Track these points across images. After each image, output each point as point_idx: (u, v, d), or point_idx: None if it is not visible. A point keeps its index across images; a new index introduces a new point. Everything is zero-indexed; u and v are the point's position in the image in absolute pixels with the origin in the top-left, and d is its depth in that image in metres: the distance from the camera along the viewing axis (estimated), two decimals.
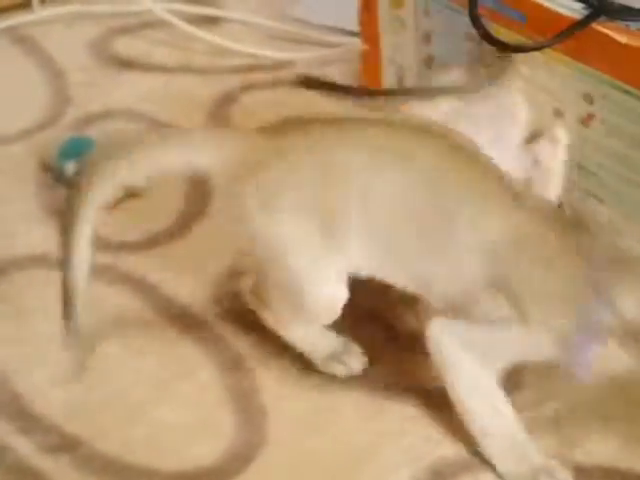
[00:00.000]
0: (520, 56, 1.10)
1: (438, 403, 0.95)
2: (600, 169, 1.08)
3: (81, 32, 1.49)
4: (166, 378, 1.01)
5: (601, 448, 0.93)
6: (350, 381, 1.00)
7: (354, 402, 0.98)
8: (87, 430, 0.96)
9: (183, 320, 1.07)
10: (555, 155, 1.04)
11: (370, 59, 1.34)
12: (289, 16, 1.51)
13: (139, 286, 1.11)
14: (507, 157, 0.98)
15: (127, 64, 1.44)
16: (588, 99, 1.07)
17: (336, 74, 1.41)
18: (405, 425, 0.95)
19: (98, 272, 1.11)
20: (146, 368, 1.02)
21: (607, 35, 1.02)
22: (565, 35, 1.04)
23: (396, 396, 0.98)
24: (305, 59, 1.44)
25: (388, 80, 1.31)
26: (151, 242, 1.17)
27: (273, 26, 1.49)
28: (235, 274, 1.10)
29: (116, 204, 1.19)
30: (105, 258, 1.13)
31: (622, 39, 1.01)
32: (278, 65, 1.44)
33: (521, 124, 1.05)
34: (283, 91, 1.40)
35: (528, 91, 1.11)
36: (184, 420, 0.97)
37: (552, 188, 1.03)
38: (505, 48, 1.08)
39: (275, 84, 1.41)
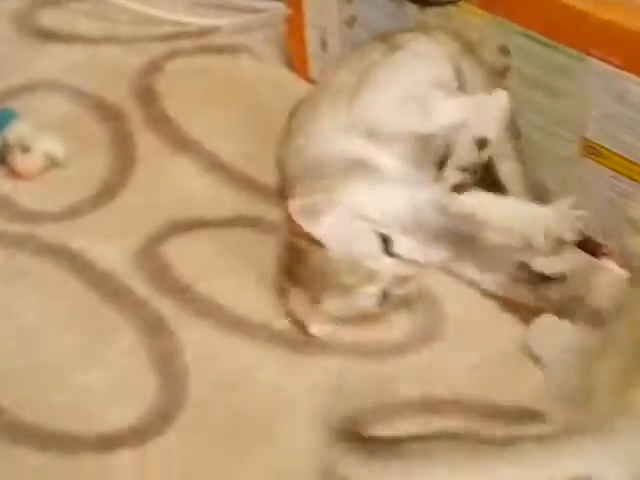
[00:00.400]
0: (437, 11, 1.11)
1: (358, 358, 0.97)
2: (518, 119, 1.09)
3: (4, 4, 1.48)
4: (88, 344, 1.01)
5: None
6: (271, 340, 1.00)
7: (274, 360, 0.98)
8: (9, 399, 0.96)
9: (105, 286, 1.06)
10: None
11: (294, 23, 1.33)
12: None
13: (61, 254, 1.10)
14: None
15: (51, 36, 1.42)
16: (504, 51, 1.07)
17: (261, 39, 1.41)
18: (324, 379, 0.96)
19: (18, 242, 1.12)
20: (68, 335, 1.01)
21: None
22: None
23: (315, 353, 0.99)
24: (230, 25, 1.43)
25: (312, 43, 1.31)
26: (73, 211, 1.16)
27: None
28: (158, 241, 1.11)
29: (38, 174, 1.20)
30: (27, 228, 1.13)
31: None
32: (203, 32, 1.43)
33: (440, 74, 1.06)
34: (209, 58, 1.40)
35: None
36: (106, 384, 0.97)
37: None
38: (423, 3, 1.09)
39: (201, 51, 1.40)
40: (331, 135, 1.04)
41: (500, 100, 1.03)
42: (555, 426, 0.86)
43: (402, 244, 0.98)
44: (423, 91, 1.03)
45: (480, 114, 1.02)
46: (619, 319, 0.89)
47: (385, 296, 0.98)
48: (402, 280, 0.98)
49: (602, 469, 0.78)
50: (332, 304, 0.98)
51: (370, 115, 1.03)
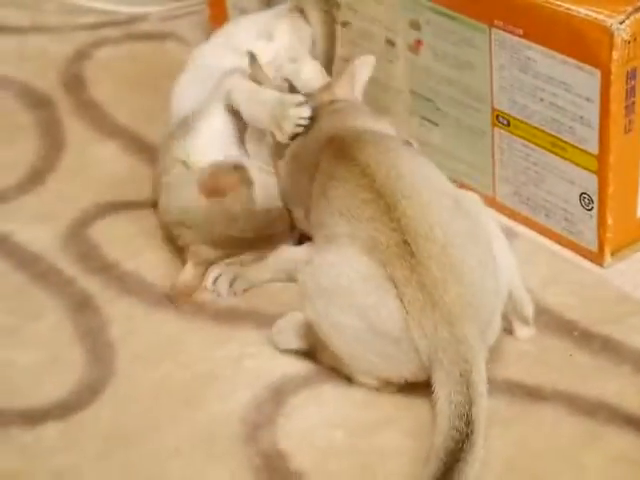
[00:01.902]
0: None
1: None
2: (432, 94, 1.12)
3: None
4: (15, 322, 1.02)
5: None
6: (195, 312, 1.02)
7: (199, 331, 1.01)
8: None
9: (33, 267, 1.08)
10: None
11: (216, 7, 1.36)
12: None
13: None
14: None
15: None
16: (415, 26, 1.10)
17: (188, 25, 1.44)
18: (247, 350, 0.98)
19: None
20: None
21: None
22: None
23: (239, 323, 1.01)
24: (157, 13, 1.45)
25: None
26: (2, 196, 1.18)
27: None
28: (85, 223, 1.13)
29: None
30: None
31: None
32: (130, 20, 1.45)
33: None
34: (136, 45, 1.42)
35: (359, 24, 1.15)
36: (34, 360, 0.99)
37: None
38: None
39: (128, 38, 1.43)
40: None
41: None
42: None
43: None
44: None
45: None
46: None
47: None
48: None
49: None
50: None
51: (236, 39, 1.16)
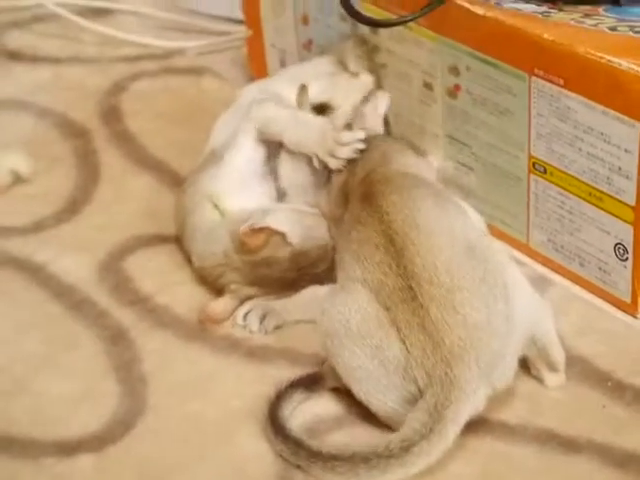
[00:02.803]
0: (388, 32, 1.15)
1: (313, 366, 0.99)
2: (469, 138, 1.13)
3: None
4: (50, 352, 1.03)
5: None
6: (229, 348, 1.03)
7: (233, 368, 1.01)
8: None
9: (68, 297, 1.09)
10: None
11: (254, 45, 1.37)
12: (178, 6, 1.54)
13: (25, 266, 1.13)
14: None
15: (16, 56, 1.46)
16: (454, 71, 1.11)
17: (225, 61, 1.45)
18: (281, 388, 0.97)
19: None
20: (30, 343, 1.04)
21: (465, 8, 1.07)
22: (427, 10, 1.08)
23: (273, 361, 1.01)
24: (194, 47, 1.47)
25: (272, 64, 1.35)
26: (38, 226, 1.19)
27: (162, 16, 1.52)
28: (120, 255, 1.14)
29: (4, 190, 1.23)
30: None
31: (479, 11, 1.06)
32: (168, 54, 1.47)
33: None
34: (173, 79, 1.43)
35: (397, 66, 1.16)
36: (67, 391, 0.99)
37: None
38: (371, 24, 1.13)
39: (165, 72, 1.45)
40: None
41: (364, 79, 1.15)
42: None
43: None
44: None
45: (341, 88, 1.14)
46: None
47: None
48: None
49: None
50: None
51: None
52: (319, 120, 1.05)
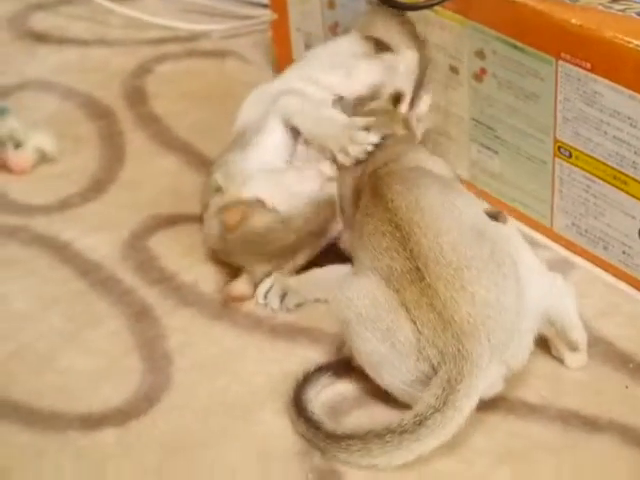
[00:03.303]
0: (415, 16, 1.15)
1: (338, 345, 1.00)
2: (494, 122, 1.13)
3: None
4: (75, 329, 1.04)
5: None
6: (253, 326, 1.04)
7: (258, 346, 1.02)
8: None
9: (93, 275, 1.10)
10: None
11: (279, 28, 1.38)
12: None
13: (51, 245, 1.14)
14: None
15: (43, 38, 1.47)
16: (480, 55, 1.11)
17: (249, 44, 1.46)
18: (304, 366, 0.98)
19: (10, 233, 1.16)
20: (55, 320, 1.05)
21: None
22: None
23: (296, 340, 1.02)
24: (218, 31, 1.47)
25: (297, 47, 1.36)
26: (64, 204, 1.20)
27: (188, 0, 1.53)
28: (145, 234, 1.15)
29: (30, 169, 1.24)
30: (18, 220, 1.17)
31: None
32: (192, 37, 1.47)
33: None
34: (197, 61, 1.44)
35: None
36: (92, 367, 1.00)
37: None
38: (399, 7, 1.13)
39: (189, 54, 1.45)
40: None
41: (406, 58, 1.13)
42: None
43: None
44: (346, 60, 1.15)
45: (390, 72, 1.12)
46: None
47: None
48: None
49: None
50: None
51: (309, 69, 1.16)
52: (342, 117, 1.07)
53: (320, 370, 0.97)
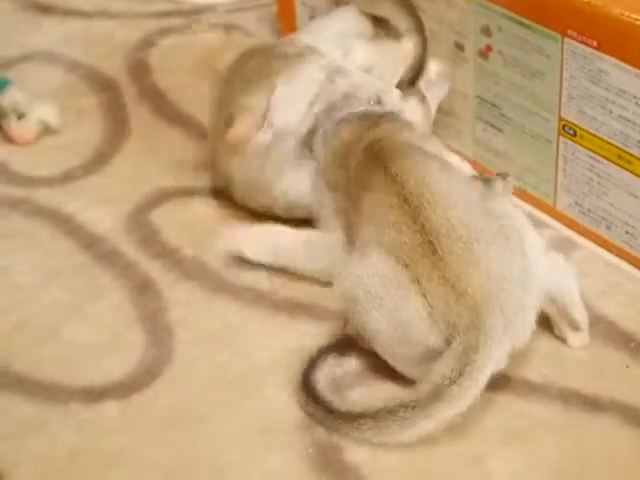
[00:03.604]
0: None
1: (338, 322, 1.00)
2: (499, 100, 1.13)
3: None
4: (77, 302, 1.04)
5: None
6: (255, 301, 1.04)
7: (259, 321, 1.02)
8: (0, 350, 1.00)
9: (96, 248, 1.10)
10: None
11: (284, 2, 1.37)
12: None
13: (53, 217, 1.14)
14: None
15: (46, 9, 1.47)
16: (486, 32, 1.11)
17: (253, 18, 1.45)
18: (306, 341, 0.99)
19: (13, 204, 1.16)
20: (58, 293, 1.05)
21: None
22: None
23: (298, 315, 1.02)
24: (223, 4, 1.47)
25: (301, 22, 1.35)
26: (67, 176, 1.20)
27: None
28: (148, 207, 1.15)
29: (33, 140, 1.23)
30: (20, 192, 1.17)
31: None
32: (197, 10, 1.47)
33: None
34: (201, 34, 1.43)
35: (429, 26, 1.16)
36: (94, 340, 1.00)
37: None
38: None
39: (194, 28, 1.45)
40: None
41: (404, 47, 1.14)
42: None
43: None
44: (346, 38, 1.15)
45: (383, 59, 1.13)
46: None
47: None
48: None
49: None
50: None
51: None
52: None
53: (326, 350, 0.97)
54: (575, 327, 0.97)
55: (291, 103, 1.05)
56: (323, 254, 1.03)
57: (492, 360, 0.88)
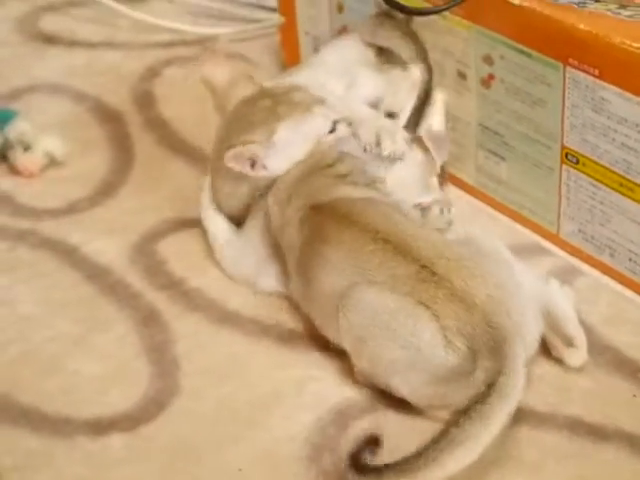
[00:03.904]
0: (422, 21, 1.15)
1: (341, 351, 0.99)
2: (501, 128, 1.13)
3: (8, 10, 1.53)
4: (82, 333, 1.04)
5: None
6: (260, 333, 1.04)
7: (264, 352, 1.02)
8: (3, 383, 0.99)
9: (101, 279, 1.10)
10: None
11: (288, 32, 1.38)
12: None
13: (59, 248, 1.14)
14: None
15: (52, 40, 1.48)
16: (488, 60, 1.12)
17: (257, 48, 1.46)
18: (311, 372, 0.99)
19: (18, 236, 1.16)
20: (63, 324, 1.05)
21: None
22: None
23: (303, 346, 1.02)
24: (227, 34, 1.48)
25: (305, 51, 1.36)
26: (72, 208, 1.20)
27: (196, 3, 1.54)
28: (153, 238, 1.15)
29: (39, 172, 1.24)
30: (26, 224, 1.17)
31: (515, 1, 1.06)
32: (201, 40, 1.48)
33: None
34: (205, 65, 1.43)
35: (431, 55, 1.16)
36: (100, 371, 1.00)
37: None
38: (406, 12, 1.13)
39: (198, 58, 1.45)
40: None
41: (412, 75, 1.13)
42: None
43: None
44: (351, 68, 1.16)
45: (393, 89, 1.13)
46: None
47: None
48: None
49: None
50: None
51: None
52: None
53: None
54: (569, 343, 0.97)
55: (288, 151, 1.05)
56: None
57: (522, 353, 0.89)
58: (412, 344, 0.91)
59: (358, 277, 0.95)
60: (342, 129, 1.06)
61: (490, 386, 0.86)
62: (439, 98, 1.13)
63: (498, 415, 0.86)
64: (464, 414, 0.85)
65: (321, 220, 1.00)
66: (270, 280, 1.06)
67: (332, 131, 1.06)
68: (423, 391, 0.92)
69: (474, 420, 0.85)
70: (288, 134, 1.06)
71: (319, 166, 1.04)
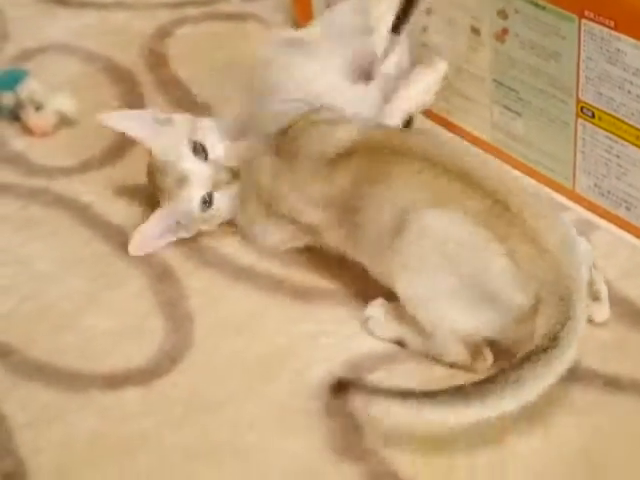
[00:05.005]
0: None
1: (356, 306, 1.00)
2: (516, 83, 1.12)
3: None
4: (97, 290, 1.05)
5: None
6: (274, 288, 1.04)
7: (278, 307, 1.02)
8: (19, 339, 1.00)
9: (115, 237, 1.10)
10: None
11: None
12: None
13: (72, 206, 1.14)
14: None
15: (63, 1, 1.46)
16: (502, 15, 1.10)
17: (268, 7, 1.45)
18: (324, 327, 0.99)
19: (31, 195, 1.16)
20: (77, 281, 1.06)
21: None
22: None
23: (317, 301, 1.02)
24: None
25: (318, 7, 1.35)
26: (84, 167, 1.20)
27: None
28: None
29: (50, 131, 1.24)
30: (39, 182, 1.17)
31: None
32: (212, 0, 1.47)
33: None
34: (217, 24, 1.43)
35: (445, 11, 1.15)
36: (114, 327, 1.01)
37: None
38: None
39: (209, 18, 1.44)
40: None
41: None
42: None
43: (217, 149, 1.08)
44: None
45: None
46: None
47: (208, 201, 1.06)
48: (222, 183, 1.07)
49: None
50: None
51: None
52: None
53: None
54: (595, 296, 0.97)
55: None
56: None
57: (585, 305, 0.89)
58: (478, 278, 0.90)
59: (429, 206, 0.93)
60: None
61: (555, 334, 0.86)
62: (440, 67, 1.13)
63: (559, 364, 0.86)
64: (527, 359, 0.85)
65: (360, 163, 0.98)
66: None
67: None
68: (470, 325, 0.92)
69: (537, 365, 0.85)
70: None
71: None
